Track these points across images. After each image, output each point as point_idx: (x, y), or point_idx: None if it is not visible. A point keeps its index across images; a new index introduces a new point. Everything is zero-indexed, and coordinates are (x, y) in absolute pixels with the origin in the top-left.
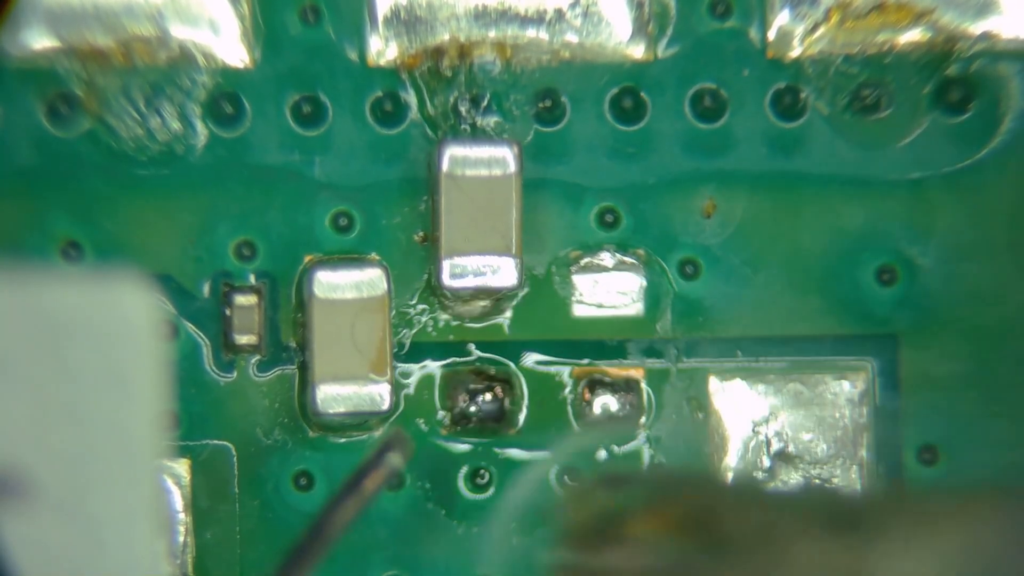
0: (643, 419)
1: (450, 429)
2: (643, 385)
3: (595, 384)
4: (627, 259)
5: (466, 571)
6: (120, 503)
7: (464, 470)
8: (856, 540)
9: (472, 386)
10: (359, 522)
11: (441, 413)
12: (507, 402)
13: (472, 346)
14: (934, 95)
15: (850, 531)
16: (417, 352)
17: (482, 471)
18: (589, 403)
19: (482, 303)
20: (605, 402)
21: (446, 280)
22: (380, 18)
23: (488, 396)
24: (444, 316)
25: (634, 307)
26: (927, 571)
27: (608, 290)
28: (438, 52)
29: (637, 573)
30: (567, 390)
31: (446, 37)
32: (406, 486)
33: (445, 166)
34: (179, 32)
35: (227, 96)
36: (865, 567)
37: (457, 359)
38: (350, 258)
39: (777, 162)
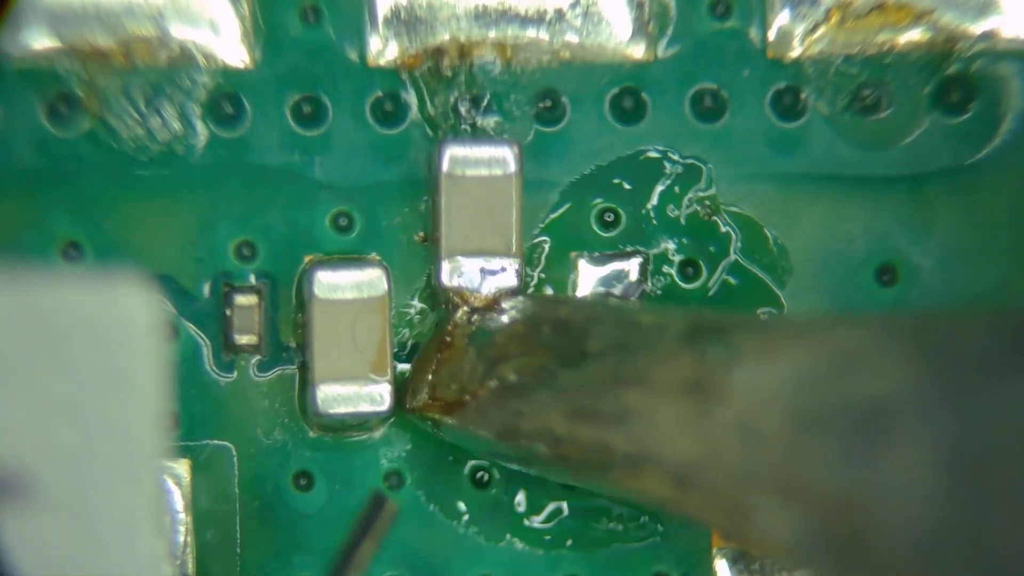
0: None
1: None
2: None
3: None
4: (627, 259)
5: (466, 571)
6: (121, 503)
7: (464, 470)
8: (711, 352)
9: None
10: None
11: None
12: None
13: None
14: (934, 95)
15: (706, 344)
16: (417, 352)
17: (482, 471)
18: None
19: None
20: None
21: (446, 280)
22: (380, 18)
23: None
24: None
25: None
26: (780, 384)
27: (608, 290)
28: (438, 52)
29: (504, 391)
30: None
31: (446, 37)
32: (406, 486)
33: (445, 166)
34: (179, 32)
35: (227, 96)
36: (717, 376)
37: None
38: (350, 258)
39: (777, 162)
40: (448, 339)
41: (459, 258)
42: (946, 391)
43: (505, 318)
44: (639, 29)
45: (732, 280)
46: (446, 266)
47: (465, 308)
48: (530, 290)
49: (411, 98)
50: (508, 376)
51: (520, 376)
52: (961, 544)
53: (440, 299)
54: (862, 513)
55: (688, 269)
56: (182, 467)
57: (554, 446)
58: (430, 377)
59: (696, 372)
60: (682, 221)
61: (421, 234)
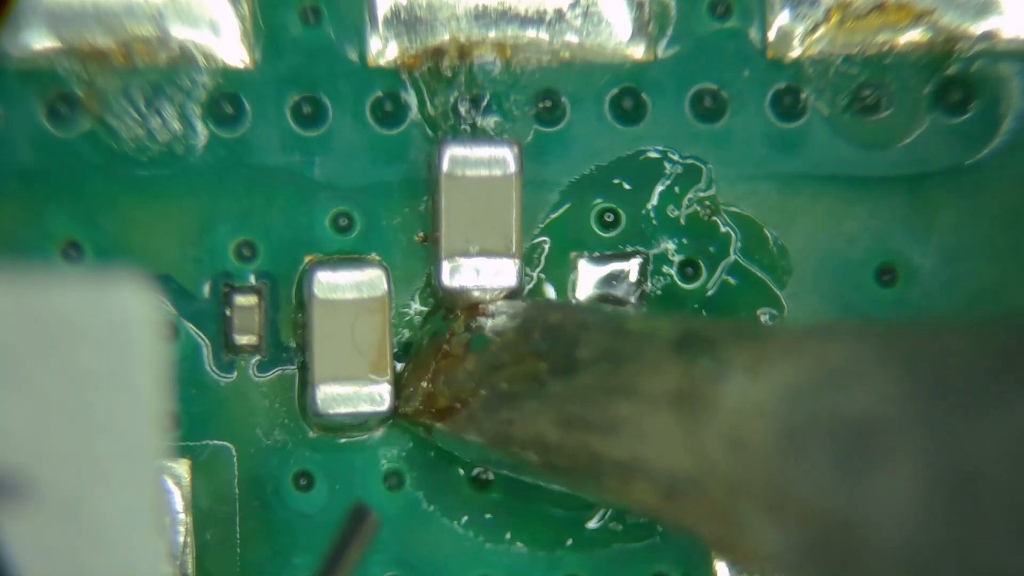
0: None
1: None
2: None
3: None
4: (627, 259)
5: (466, 571)
6: (121, 503)
7: (464, 470)
8: (701, 363)
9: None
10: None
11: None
12: None
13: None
14: (934, 95)
15: (695, 355)
16: (417, 352)
17: (482, 471)
18: None
19: None
20: None
21: (446, 280)
22: (380, 18)
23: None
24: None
25: (633, 308)
26: (769, 399)
27: (608, 291)
28: (438, 52)
29: (495, 399)
30: None
31: (446, 37)
32: (406, 486)
33: (445, 166)
34: (179, 32)
35: (227, 96)
36: (709, 389)
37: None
38: (350, 258)
39: (777, 163)
40: (445, 346)
41: (459, 258)
42: (935, 410)
43: (499, 323)
44: (639, 29)
45: (732, 280)
46: (446, 266)
47: (461, 314)
48: (527, 291)
49: (411, 98)
50: (499, 384)
51: (511, 384)
52: (951, 563)
53: (438, 303)
54: (851, 530)
55: (688, 269)
56: (182, 467)
57: (544, 454)
58: (425, 383)
59: (685, 383)
60: (682, 221)
61: (421, 234)
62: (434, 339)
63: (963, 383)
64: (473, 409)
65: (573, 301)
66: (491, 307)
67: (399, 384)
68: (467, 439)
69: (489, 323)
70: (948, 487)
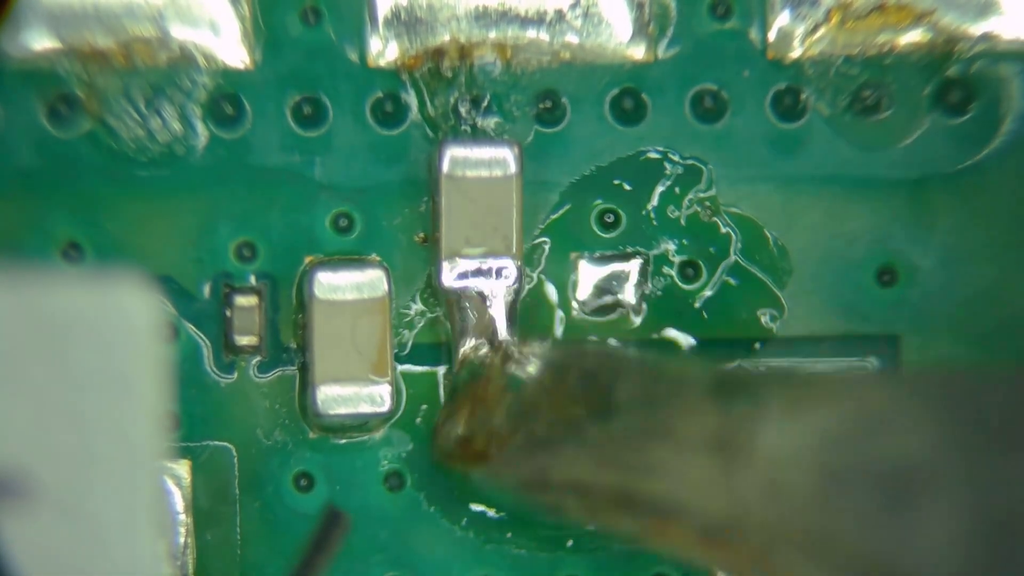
0: None
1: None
2: None
3: None
4: (628, 260)
5: (466, 572)
6: (121, 504)
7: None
8: (738, 408)
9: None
10: (358, 524)
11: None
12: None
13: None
14: (934, 96)
15: (732, 399)
16: (418, 353)
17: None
18: None
19: None
20: None
21: (446, 280)
22: (380, 19)
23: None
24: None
25: (634, 309)
26: (807, 444)
27: (608, 291)
28: (438, 53)
29: (532, 444)
30: None
31: (446, 38)
32: (406, 487)
33: (446, 167)
34: (179, 33)
35: (228, 97)
36: (745, 433)
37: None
38: (351, 259)
39: (777, 163)
40: (481, 391)
41: (459, 259)
42: (974, 455)
43: (532, 368)
44: (639, 30)
45: (732, 281)
46: (446, 267)
47: (496, 358)
48: (528, 291)
49: (411, 99)
50: (535, 429)
51: (547, 429)
52: None
53: (470, 344)
54: (892, 574)
55: (688, 270)
56: (182, 468)
57: (581, 498)
58: (460, 428)
59: (722, 428)
60: (682, 222)
61: (421, 235)
62: (470, 383)
63: (1001, 428)
64: (509, 453)
65: (607, 345)
66: (526, 351)
67: (434, 427)
68: (504, 483)
69: (525, 367)
70: (988, 532)
